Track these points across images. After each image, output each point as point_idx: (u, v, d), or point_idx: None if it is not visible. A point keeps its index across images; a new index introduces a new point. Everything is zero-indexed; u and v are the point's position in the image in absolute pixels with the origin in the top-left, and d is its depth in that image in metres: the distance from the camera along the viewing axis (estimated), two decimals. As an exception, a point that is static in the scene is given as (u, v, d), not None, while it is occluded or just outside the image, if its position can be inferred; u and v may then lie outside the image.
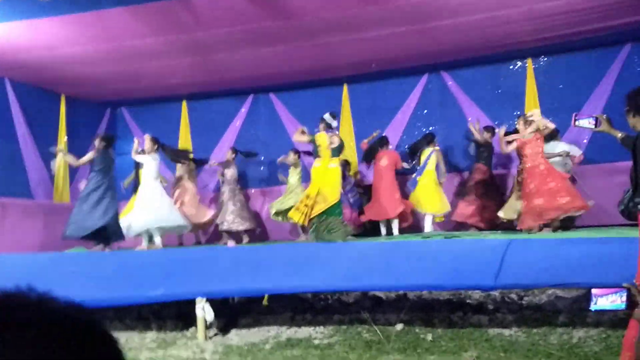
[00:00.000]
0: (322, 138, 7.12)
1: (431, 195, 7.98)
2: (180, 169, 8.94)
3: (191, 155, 8.89)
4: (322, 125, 7.22)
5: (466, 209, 7.99)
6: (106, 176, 7.48)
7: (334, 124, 7.67)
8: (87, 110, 9.72)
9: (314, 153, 7.14)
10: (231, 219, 8.49)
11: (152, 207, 7.54)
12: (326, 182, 7.03)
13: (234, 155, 8.87)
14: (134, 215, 7.55)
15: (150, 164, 7.78)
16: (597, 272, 4.08)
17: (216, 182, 9.41)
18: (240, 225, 8.51)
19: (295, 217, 7.17)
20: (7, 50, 7.28)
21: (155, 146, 7.83)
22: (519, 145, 6.90)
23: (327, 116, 7.37)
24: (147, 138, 7.93)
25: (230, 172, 8.74)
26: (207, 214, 8.65)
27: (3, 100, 8.29)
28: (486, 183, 7.96)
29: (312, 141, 7.26)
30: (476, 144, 8.11)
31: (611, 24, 7.38)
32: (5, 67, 7.93)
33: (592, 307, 3.81)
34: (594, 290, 3.80)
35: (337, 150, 7.37)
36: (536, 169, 6.72)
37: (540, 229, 6.56)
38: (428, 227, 7.94)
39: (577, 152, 7.63)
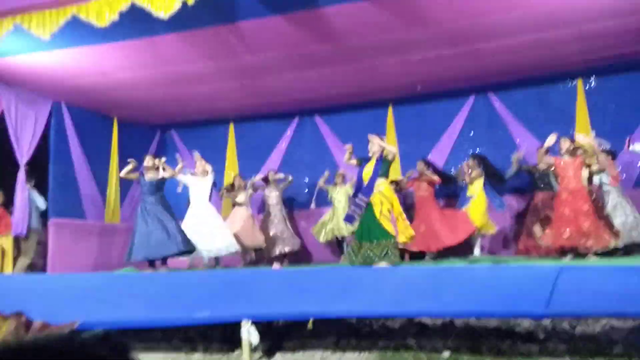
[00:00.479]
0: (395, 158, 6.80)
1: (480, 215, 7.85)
2: (236, 191, 8.97)
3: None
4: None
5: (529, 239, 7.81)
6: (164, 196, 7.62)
7: None
8: (138, 133, 10.00)
9: (385, 173, 6.54)
10: (275, 241, 8.53)
11: (203, 231, 7.63)
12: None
13: (277, 177, 8.93)
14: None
15: (202, 184, 7.89)
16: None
17: (260, 203, 9.48)
18: (285, 247, 8.53)
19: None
20: (64, 76, 7.59)
21: (209, 167, 7.94)
22: (557, 165, 6.77)
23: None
24: (198, 157, 8.03)
25: (275, 194, 8.78)
26: (259, 239, 8.49)
27: (60, 123, 8.61)
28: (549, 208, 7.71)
29: (388, 159, 6.54)
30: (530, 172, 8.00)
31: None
32: (62, 92, 8.25)
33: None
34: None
35: None
36: (574, 194, 6.57)
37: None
38: (478, 248, 7.84)
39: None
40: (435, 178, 8.00)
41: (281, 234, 8.55)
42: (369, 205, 6.35)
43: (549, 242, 6.74)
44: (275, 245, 8.49)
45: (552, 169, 7.16)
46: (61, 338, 0.70)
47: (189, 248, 7.35)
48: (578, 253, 6.62)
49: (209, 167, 7.97)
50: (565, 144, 6.73)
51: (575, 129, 8.31)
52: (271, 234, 8.54)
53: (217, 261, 8.19)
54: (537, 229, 7.29)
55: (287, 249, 8.53)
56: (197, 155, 8.08)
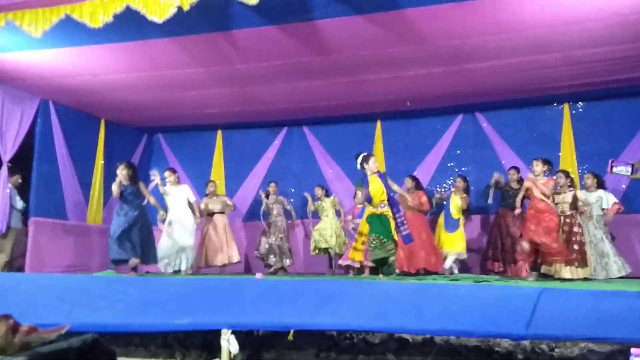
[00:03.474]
0: None
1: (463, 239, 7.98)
2: (214, 201, 8.89)
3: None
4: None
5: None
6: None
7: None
8: (125, 135, 9.94)
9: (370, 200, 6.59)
10: (273, 252, 8.59)
11: (178, 230, 7.92)
12: None
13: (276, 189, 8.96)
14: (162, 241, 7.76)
15: (181, 193, 8.07)
16: (635, 328, 3.95)
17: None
18: (287, 260, 8.67)
19: None
20: (53, 74, 7.53)
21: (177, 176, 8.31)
22: (530, 185, 6.88)
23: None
24: (169, 172, 8.30)
25: (278, 206, 8.87)
26: (233, 256, 8.59)
27: (46, 122, 8.52)
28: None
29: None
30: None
31: (651, 73, 7.31)
32: (51, 91, 8.18)
33: (632, 368, 3.66)
34: (633, 350, 3.66)
35: None
36: (542, 211, 6.78)
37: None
38: (447, 264, 7.91)
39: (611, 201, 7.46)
40: (425, 207, 8.16)
41: (280, 247, 8.58)
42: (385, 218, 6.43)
43: (523, 257, 7.05)
44: (274, 256, 8.51)
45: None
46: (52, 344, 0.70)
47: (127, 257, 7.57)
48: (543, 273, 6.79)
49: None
50: (539, 167, 6.85)
51: (561, 153, 8.42)
52: (270, 243, 8.55)
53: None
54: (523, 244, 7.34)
55: (287, 262, 8.61)
56: (155, 173, 8.13)
